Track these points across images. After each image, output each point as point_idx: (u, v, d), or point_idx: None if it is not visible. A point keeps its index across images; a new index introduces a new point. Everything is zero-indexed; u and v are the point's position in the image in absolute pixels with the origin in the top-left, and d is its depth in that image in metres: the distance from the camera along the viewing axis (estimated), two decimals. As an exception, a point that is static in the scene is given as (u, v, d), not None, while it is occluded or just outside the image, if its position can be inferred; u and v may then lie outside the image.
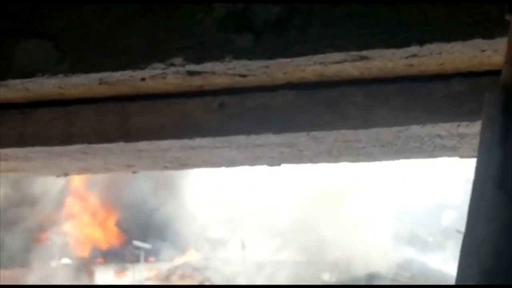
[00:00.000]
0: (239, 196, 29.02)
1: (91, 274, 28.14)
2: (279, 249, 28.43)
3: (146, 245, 27.20)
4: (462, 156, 1.57)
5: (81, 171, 1.68)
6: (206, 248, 30.01)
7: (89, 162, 1.54)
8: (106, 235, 32.35)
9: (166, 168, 1.66)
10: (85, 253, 30.83)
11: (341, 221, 27.52)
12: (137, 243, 26.83)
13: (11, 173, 1.69)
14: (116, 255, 30.23)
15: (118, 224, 31.98)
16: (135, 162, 1.56)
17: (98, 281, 28.08)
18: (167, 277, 27.79)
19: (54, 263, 27.62)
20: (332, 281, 27.24)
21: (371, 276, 26.45)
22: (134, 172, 1.73)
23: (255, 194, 28.85)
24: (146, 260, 27.41)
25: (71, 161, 1.53)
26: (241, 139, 1.34)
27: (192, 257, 30.30)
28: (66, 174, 1.71)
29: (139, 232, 29.28)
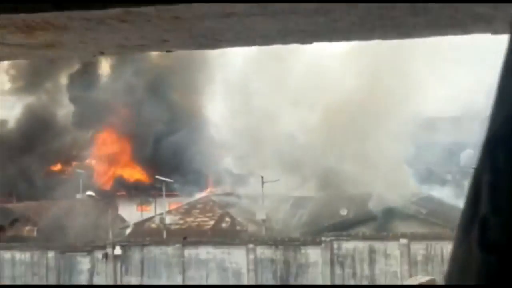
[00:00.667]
0: (256, 125, 28.99)
1: (115, 207, 28.88)
2: (298, 184, 28.69)
3: (168, 180, 27.71)
4: (495, 32, 1.57)
5: (117, 48, 1.72)
6: (227, 183, 30.44)
7: (125, 35, 1.58)
8: (130, 169, 32.95)
9: (200, 45, 1.69)
10: (108, 186, 31.54)
11: (359, 156, 27.52)
12: (159, 177, 27.33)
13: (49, 51, 1.74)
14: (138, 189, 30.86)
15: (141, 159, 32.46)
16: (170, 36, 1.59)
17: (122, 213, 28.83)
18: (188, 210, 28.41)
19: (78, 196, 28.34)
20: (350, 217, 27.59)
21: (388, 211, 26.68)
22: (168, 51, 1.76)
23: (271, 122, 28.78)
24: (168, 195, 28.00)
25: (108, 34, 1.56)
26: None
27: (212, 191, 30.82)
28: (101, 53, 1.75)
29: (162, 167, 29.74)
